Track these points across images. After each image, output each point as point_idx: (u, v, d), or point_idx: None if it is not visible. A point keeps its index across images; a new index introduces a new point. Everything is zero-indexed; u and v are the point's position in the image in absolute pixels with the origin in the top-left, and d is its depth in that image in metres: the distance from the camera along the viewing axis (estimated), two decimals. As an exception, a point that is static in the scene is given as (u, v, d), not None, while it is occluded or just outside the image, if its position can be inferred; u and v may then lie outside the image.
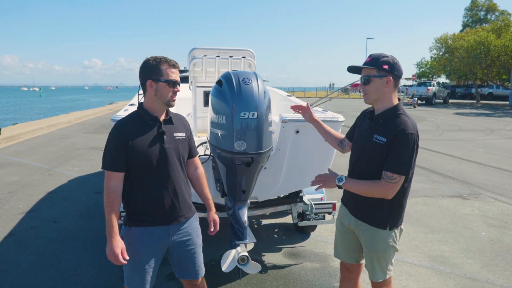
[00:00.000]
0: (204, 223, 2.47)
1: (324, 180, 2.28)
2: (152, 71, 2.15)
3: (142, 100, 2.27)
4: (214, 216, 2.46)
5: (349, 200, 2.40)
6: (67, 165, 8.26)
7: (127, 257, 2.10)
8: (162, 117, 2.23)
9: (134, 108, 3.87)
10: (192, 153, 2.38)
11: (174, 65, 2.19)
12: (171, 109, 2.36)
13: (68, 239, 4.40)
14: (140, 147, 2.11)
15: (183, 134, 2.29)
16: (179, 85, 2.22)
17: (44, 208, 5.51)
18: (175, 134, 2.24)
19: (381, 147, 2.12)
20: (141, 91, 5.15)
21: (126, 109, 3.71)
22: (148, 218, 2.18)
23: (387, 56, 2.18)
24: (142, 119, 2.19)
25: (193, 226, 2.35)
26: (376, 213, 2.22)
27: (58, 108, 38.93)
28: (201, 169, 2.46)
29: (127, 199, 2.20)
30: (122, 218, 2.28)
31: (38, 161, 8.59)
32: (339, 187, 2.22)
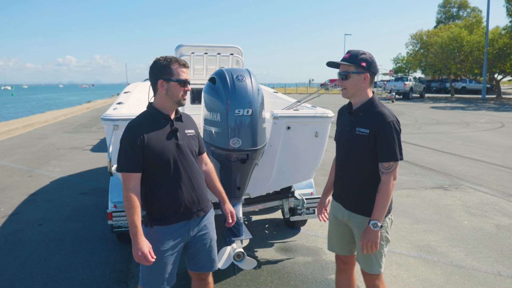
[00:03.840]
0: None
1: (373, 241, 2.21)
2: (163, 71, 2.17)
3: (152, 100, 2.28)
4: (230, 207, 2.54)
5: (342, 195, 2.44)
6: (48, 165, 8.05)
7: (155, 256, 2.11)
8: (173, 116, 2.26)
9: (123, 107, 3.84)
10: (201, 149, 2.42)
11: (184, 65, 2.22)
12: None
13: (55, 242, 4.31)
14: (157, 145, 2.13)
15: (192, 131, 2.33)
16: (189, 84, 2.26)
17: (27, 210, 5.36)
18: (186, 131, 2.28)
19: (365, 138, 2.23)
20: (127, 89, 5.09)
21: (115, 107, 3.65)
22: (170, 216, 2.20)
23: (365, 54, 2.28)
24: (154, 119, 2.20)
25: (210, 220, 2.40)
26: (368, 203, 2.27)
27: (33, 107, 37.80)
28: (210, 165, 2.51)
29: (146, 199, 2.21)
30: (142, 219, 2.27)
31: (17, 162, 8.34)
32: (381, 226, 2.22)
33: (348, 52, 2.32)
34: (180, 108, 4.74)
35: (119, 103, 3.99)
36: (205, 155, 2.47)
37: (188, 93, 5.47)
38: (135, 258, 2.08)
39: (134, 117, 2.25)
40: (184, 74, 2.20)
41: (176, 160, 2.18)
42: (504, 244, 4.25)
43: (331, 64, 2.40)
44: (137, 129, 2.15)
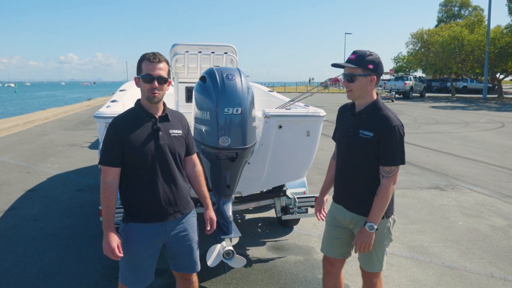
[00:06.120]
0: (199, 218, 2.47)
1: (367, 243, 2.22)
2: (137, 68, 2.20)
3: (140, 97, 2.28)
4: (211, 214, 2.47)
5: (342, 197, 2.41)
6: (46, 162, 8.08)
7: (121, 253, 2.11)
8: (159, 114, 2.23)
9: (116, 105, 3.85)
10: (189, 150, 2.37)
11: (150, 60, 2.15)
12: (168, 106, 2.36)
13: (49, 238, 4.33)
14: (135, 143, 2.12)
15: (179, 131, 2.27)
16: (156, 81, 2.14)
17: (23, 206, 5.39)
18: (171, 131, 2.24)
19: (369, 141, 2.19)
20: (123, 87, 5.11)
21: (108, 105, 3.67)
22: (144, 214, 2.19)
23: (372, 55, 2.20)
24: (138, 115, 2.20)
25: (190, 221, 2.35)
26: (371, 204, 2.24)
27: (34, 104, 37.87)
28: (199, 167, 2.45)
29: (124, 194, 2.21)
30: (121, 215, 2.29)
31: (16, 159, 8.37)
32: (377, 229, 2.22)
33: (354, 52, 2.22)
34: (174, 106, 4.77)
35: (113, 101, 4.00)
36: (194, 157, 2.42)
37: (184, 91, 5.50)
38: (104, 251, 2.11)
39: (121, 113, 2.26)
40: (151, 70, 2.13)
41: (155, 160, 2.16)
42: (498, 245, 4.24)
43: (336, 65, 2.33)
44: (118, 124, 2.16)
